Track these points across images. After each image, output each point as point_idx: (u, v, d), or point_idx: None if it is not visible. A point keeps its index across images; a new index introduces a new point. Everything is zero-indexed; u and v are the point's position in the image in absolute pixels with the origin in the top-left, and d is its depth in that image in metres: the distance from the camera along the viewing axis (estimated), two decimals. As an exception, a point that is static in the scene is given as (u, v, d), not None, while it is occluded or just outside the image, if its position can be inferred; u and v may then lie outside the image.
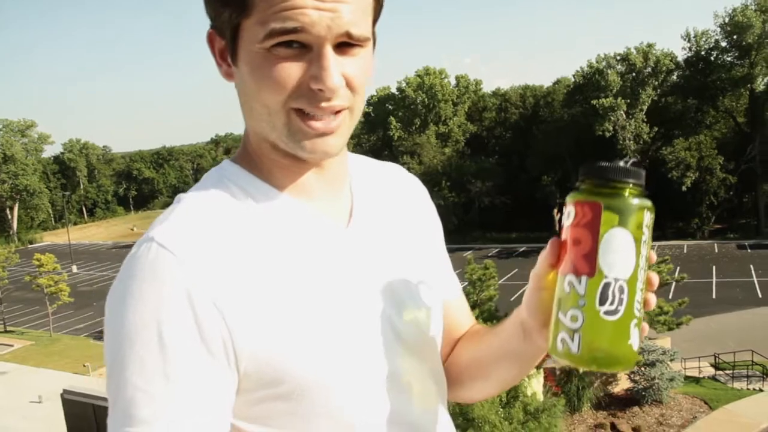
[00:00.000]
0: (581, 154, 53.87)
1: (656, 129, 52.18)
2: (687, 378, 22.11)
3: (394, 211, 1.08)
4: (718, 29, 52.13)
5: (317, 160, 0.92)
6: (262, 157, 0.94)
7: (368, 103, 68.56)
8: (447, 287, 1.19)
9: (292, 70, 0.83)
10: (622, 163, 0.80)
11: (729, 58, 52.36)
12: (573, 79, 59.62)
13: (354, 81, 0.86)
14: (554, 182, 56.22)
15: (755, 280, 37.10)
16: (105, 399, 0.80)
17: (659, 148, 51.86)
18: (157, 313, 0.79)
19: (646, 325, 0.82)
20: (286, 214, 0.92)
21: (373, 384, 0.94)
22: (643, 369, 19.75)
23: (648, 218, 0.79)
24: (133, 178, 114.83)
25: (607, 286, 0.77)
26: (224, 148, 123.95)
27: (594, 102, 51.32)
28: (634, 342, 0.79)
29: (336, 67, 0.83)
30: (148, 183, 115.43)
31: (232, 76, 0.90)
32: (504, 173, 58.75)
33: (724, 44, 52.30)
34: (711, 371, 24.35)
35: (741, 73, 50.66)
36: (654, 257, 0.82)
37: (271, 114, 0.86)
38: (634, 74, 52.96)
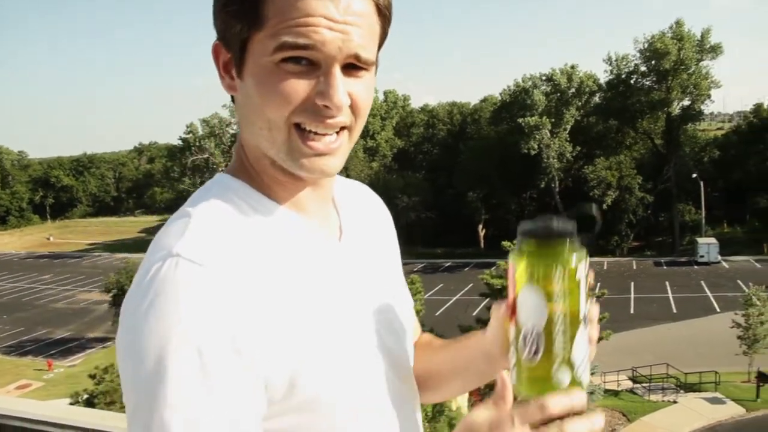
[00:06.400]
0: (507, 172, 54.81)
1: (579, 148, 53.60)
2: (606, 391, 22.60)
3: (372, 227, 1.14)
4: (638, 54, 54.13)
5: (314, 179, 0.94)
6: (261, 173, 0.95)
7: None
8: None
9: (299, 86, 0.84)
10: (541, 222, 0.81)
11: (647, 82, 54.42)
12: (500, 98, 60.75)
13: (358, 102, 0.89)
14: (480, 198, 56.99)
15: (670, 296, 38.51)
16: (7, 417, 0.73)
17: (581, 167, 53.31)
18: (195, 328, 0.77)
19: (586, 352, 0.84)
20: (288, 228, 0.93)
21: (369, 405, 0.95)
22: (564, 383, 20.03)
23: (559, 273, 0.80)
24: (51, 186, 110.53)
25: (526, 334, 0.82)
26: (148, 157, 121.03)
27: (520, 120, 52.38)
28: (563, 378, 0.82)
29: (343, 85, 0.85)
30: (66, 191, 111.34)
31: (235, 89, 0.90)
32: (431, 189, 59.21)
33: (643, 69, 54.29)
34: (629, 384, 24.99)
35: (658, 97, 52.66)
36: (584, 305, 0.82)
37: (272, 129, 0.87)
38: (558, 94, 54.37)
